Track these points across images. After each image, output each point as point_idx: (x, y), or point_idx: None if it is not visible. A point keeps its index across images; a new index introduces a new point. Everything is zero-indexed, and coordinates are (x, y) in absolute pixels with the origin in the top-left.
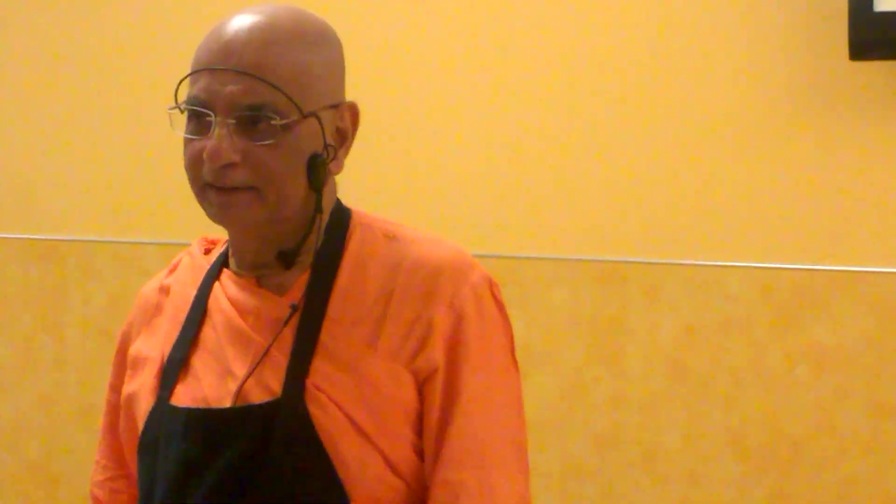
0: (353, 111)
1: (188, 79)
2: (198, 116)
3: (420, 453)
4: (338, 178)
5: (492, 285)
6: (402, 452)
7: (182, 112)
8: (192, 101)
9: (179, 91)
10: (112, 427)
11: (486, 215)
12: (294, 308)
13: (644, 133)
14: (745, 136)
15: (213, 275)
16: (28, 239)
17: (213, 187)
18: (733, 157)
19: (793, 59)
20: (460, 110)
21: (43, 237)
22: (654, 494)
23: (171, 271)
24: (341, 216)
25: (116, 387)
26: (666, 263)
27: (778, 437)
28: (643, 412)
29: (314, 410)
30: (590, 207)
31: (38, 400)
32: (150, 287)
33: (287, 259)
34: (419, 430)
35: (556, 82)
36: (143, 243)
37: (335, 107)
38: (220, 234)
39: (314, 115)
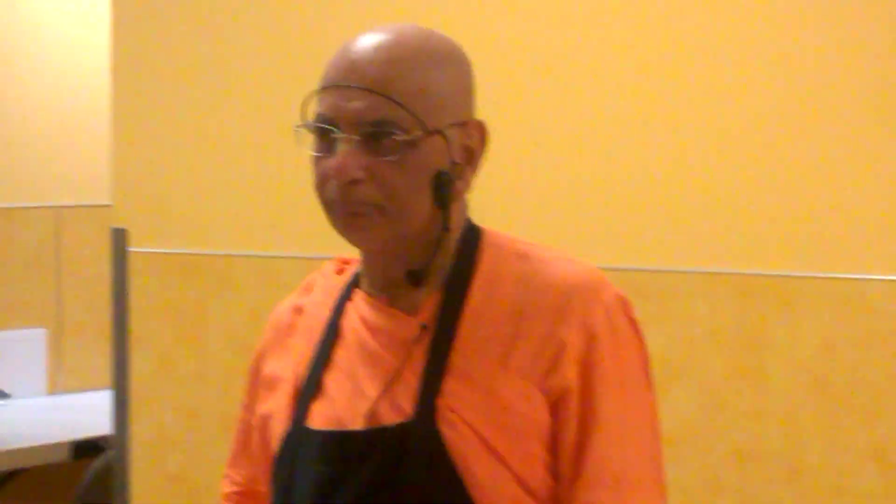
0: (482, 129)
1: (316, 97)
2: (324, 134)
3: (553, 473)
4: (469, 196)
5: (624, 304)
6: (536, 472)
7: (309, 130)
8: (317, 118)
9: (308, 109)
10: (244, 444)
11: (623, 228)
12: (424, 328)
13: (780, 142)
14: (886, 142)
15: (345, 295)
16: (168, 253)
17: (339, 204)
18: (874, 165)
19: None
20: (595, 120)
21: (182, 251)
22: None
23: (305, 291)
24: (472, 235)
25: (249, 406)
26: (806, 276)
27: None
28: (784, 426)
29: (446, 431)
30: (728, 220)
31: (180, 413)
32: (283, 307)
33: (416, 278)
34: (552, 449)
35: (691, 90)
36: (282, 257)
37: (462, 125)
38: (355, 253)
39: (439, 132)
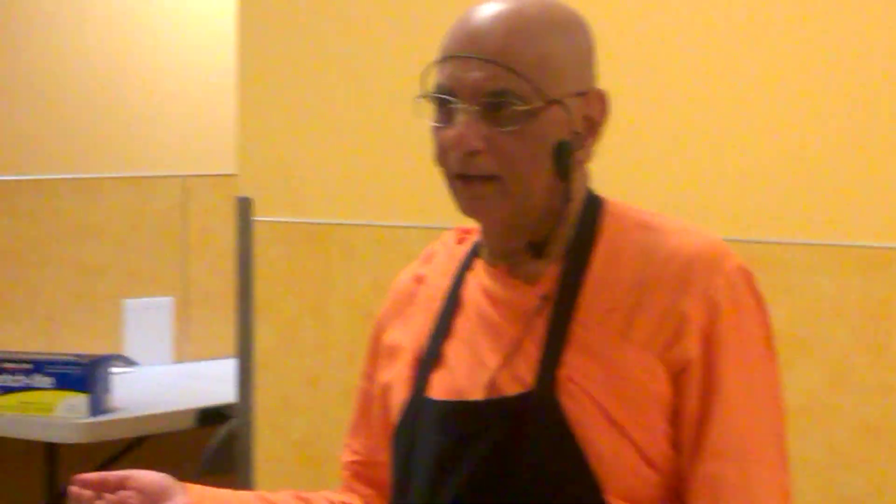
0: (602, 99)
1: (436, 67)
2: (443, 105)
3: (675, 445)
4: (590, 166)
5: (747, 276)
6: (657, 444)
7: (429, 101)
8: (437, 88)
9: (428, 79)
10: (364, 413)
11: (748, 201)
12: (545, 299)
13: None
14: None
15: (466, 265)
16: (292, 223)
17: (460, 178)
18: None
19: None
20: (717, 94)
21: (307, 220)
22: None
23: (426, 261)
24: (593, 205)
25: (369, 374)
26: None
27: None
28: None
29: (567, 402)
30: (854, 192)
31: (303, 381)
32: (404, 277)
33: (537, 249)
34: (673, 421)
35: (818, 66)
36: (405, 227)
37: (583, 94)
38: (475, 223)
39: (559, 102)
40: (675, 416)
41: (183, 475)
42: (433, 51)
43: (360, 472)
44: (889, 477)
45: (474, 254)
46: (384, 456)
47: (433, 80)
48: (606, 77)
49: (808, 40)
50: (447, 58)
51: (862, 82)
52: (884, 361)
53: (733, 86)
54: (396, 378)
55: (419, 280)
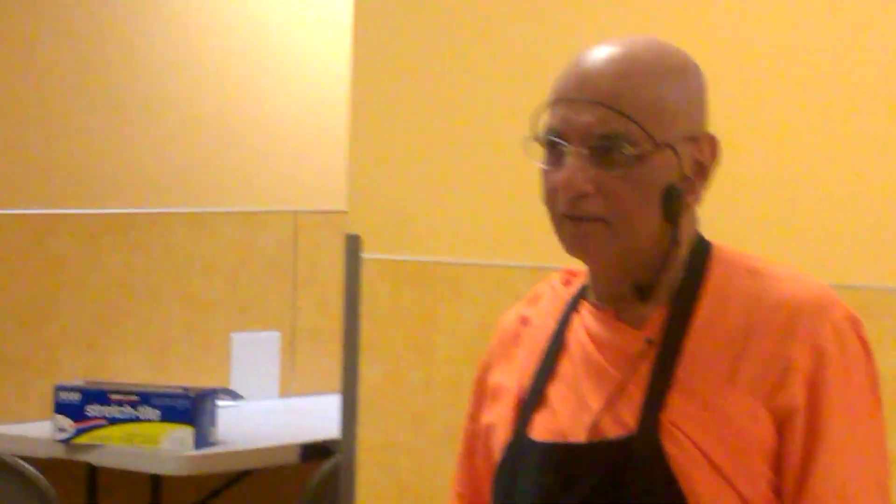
0: (713, 143)
1: (547, 109)
2: (553, 147)
3: (777, 492)
4: (699, 210)
5: (855, 323)
6: (759, 491)
7: (539, 143)
8: (547, 130)
9: (538, 121)
10: (469, 455)
11: (854, 245)
12: (650, 342)
13: None
14: None
15: (572, 307)
16: (400, 260)
17: (567, 218)
18: None
19: None
20: (824, 130)
21: (415, 259)
22: None
23: (532, 302)
24: (701, 250)
25: (474, 416)
26: None
27: None
28: None
29: (669, 447)
30: None
31: (408, 419)
32: (510, 317)
33: (644, 293)
34: (776, 468)
35: None
36: (512, 266)
37: (693, 139)
38: (582, 265)
39: (669, 146)
40: (778, 463)
41: None
42: (544, 92)
43: None
44: None
45: (581, 296)
46: (488, 497)
47: (543, 121)
48: (715, 118)
49: None
50: (558, 100)
51: None
52: None
53: (839, 128)
54: (499, 418)
55: (524, 321)
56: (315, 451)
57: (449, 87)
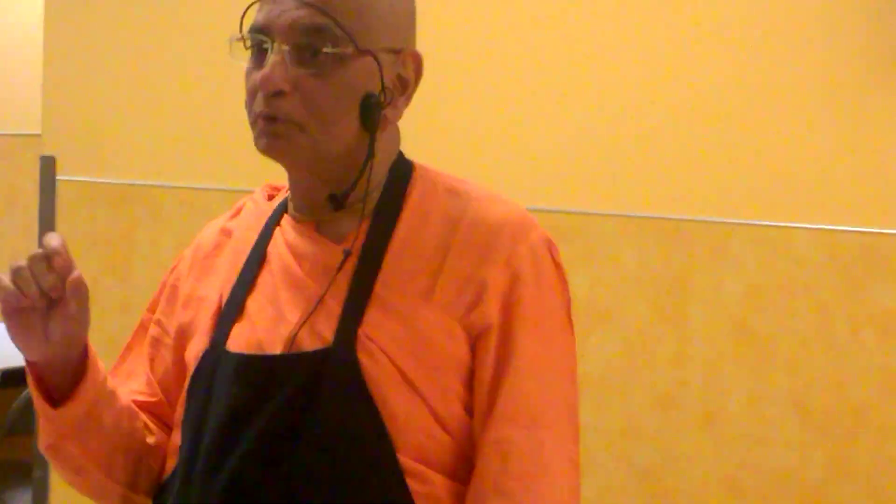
0: (417, 60)
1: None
2: (258, 47)
3: (469, 410)
4: (402, 131)
5: (550, 246)
6: (451, 407)
7: (244, 44)
8: (251, 28)
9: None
10: (141, 355)
11: (552, 170)
12: (347, 254)
13: (711, 93)
14: (814, 98)
15: (273, 220)
16: (96, 182)
17: (262, 118)
18: (802, 118)
19: (871, 20)
20: (530, 62)
21: (111, 181)
22: (715, 456)
23: (234, 215)
24: (403, 168)
25: (159, 320)
26: (732, 223)
27: (841, 403)
28: (706, 373)
29: (364, 360)
30: (657, 165)
31: (105, 340)
32: (211, 228)
33: (337, 201)
34: (470, 386)
35: (635, 41)
36: (209, 189)
37: (397, 52)
38: (285, 180)
39: (371, 53)
40: (471, 381)
41: None
42: (240, 7)
43: (148, 410)
44: (678, 447)
45: (283, 210)
46: (170, 398)
47: (250, 22)
48: (428, 44)
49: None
50: None
51: (662, 63)
52: (679, 333)
53: (545, 55)
54: (195, 328)
55: (226, 232)
56: (12, 378)
57: (142, 5)
